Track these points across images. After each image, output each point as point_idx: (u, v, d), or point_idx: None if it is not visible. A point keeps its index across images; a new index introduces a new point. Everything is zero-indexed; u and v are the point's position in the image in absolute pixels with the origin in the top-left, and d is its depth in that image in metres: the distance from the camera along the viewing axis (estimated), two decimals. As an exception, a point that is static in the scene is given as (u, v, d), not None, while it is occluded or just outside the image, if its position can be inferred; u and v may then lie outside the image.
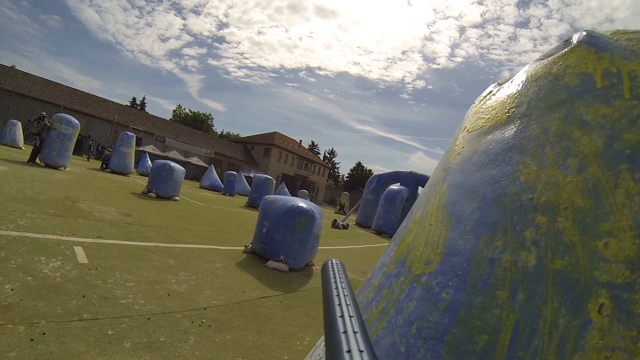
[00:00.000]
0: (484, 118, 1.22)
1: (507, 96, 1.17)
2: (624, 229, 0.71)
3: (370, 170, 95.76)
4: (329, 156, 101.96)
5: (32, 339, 2.94)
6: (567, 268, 0.74)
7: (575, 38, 1.09)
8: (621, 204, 0.73)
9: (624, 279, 0.67)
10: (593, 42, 1.02)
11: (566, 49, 1.08)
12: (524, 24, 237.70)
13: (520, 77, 1.19)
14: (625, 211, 0.73)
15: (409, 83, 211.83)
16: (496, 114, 1.16)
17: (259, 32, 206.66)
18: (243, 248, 8.46)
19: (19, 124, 26.29)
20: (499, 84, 1.32)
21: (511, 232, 0.86)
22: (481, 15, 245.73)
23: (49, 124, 15.74)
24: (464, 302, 0.85)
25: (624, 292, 0.66)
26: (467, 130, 1.28)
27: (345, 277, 0.72)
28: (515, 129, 1.04)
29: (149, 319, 3.79)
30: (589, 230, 0.75)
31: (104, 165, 22.95)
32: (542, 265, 0.77)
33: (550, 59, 1.11)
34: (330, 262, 0.82)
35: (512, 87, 1.18)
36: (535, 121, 1.00)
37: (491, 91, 1.33)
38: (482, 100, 1.34)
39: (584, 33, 1.07)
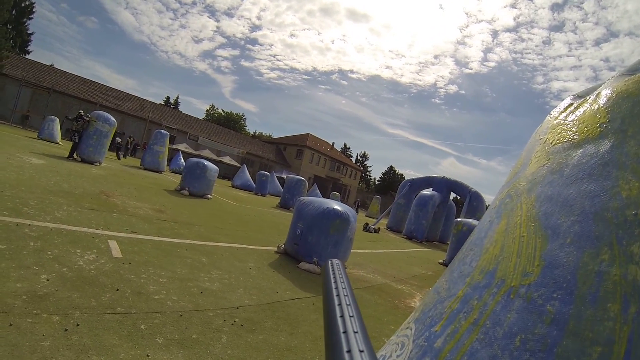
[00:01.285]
0: (570, 131, 1.20)
1: (596, 111, 1.15)
2: None
3: (402, 175, 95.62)
4: (361, 159, 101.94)
5: (65, 330, 2.94)
6: None
7: None
8: None
9: None
10: None
11: None
12: (558, 27, 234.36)
13: (606, 92, 1.17)
14: None
15: (441, 87, 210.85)
16: (585, 127, 1.15)
17: (292, 35, 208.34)
18: (275, 248, 8.45)
19: (57, 120, 26.87)
20: (578, 97, 1.31)
21: (617, 246, 0.84)
22: (514, 19, 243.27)
23: (87, 118, 16.01)
24: (573, 315, 0.84)
25: None
26: (551, 143, 1.26)
27: (346, 277, 0.73)
28: (610, 145, 1.03)
29: (181, 315, 3.76)
30: None
31: (119, 154, 22.69)
32: None
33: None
34: (330, 262, 0.84)
35: (600, 101, 1.17)
36: (632, 137, 0.98)
37: (572, 104, 1.32)
38: (562, 112, 1.33)
39: None
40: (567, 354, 0.80)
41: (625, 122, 1.01)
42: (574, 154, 1.11)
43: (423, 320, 1.24)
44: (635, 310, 0.73)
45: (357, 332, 0.48)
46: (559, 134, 1.23)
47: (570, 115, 1.25)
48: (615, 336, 0.74)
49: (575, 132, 1.16)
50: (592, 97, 1.21)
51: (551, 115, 1.37)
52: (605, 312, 0.78)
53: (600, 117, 1.10)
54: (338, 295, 0.61)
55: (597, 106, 1.14)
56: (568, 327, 0.82)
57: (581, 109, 1.21)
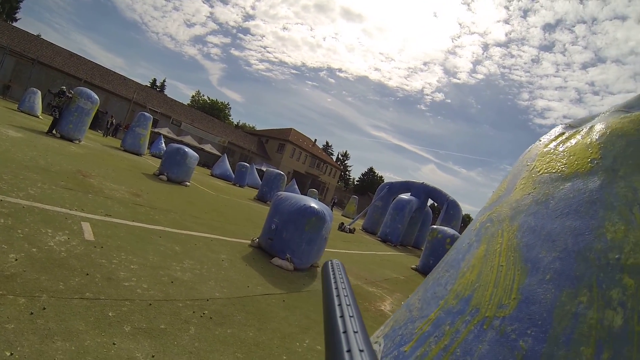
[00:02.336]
0: (560, 162, 1.20)
1: (588, 145, 1.15)
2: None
3: (381, 177, 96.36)
4: (341, 158, 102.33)
5: (31, 313, 2.90)
6: None
7: None
8: None
9: None
10: None
11: None
12: (548, 47, 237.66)
13: (600, 127, 1.17)
14: None
15: (427, 94, 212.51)
16: (576, 161, 1.15)
17: (284, 28, 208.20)
18: (249, 242, 8.43)
19: (39, 92, 26.48)
20: (570, 127, 1.32)
21: (597, 289, 0.84)
22: (506, 35, 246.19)
23: (70, 95, 15.78)
24: (545, 354, 0.83)
25: None
26: (538, 171, 1.26)
27: (346, 278, 0.73)
28: (600, 183, 1.02)
29: (150, 304, 3.73)
30: None
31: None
32: (629, 326, 0.76)
33: (637, 114, 1.10)
34: (330, 262, 0.84)
35: (593, 135, 1.17)
36: (623, 178, 0.98)
37: (563, 133, 1.32)
38: (552, 141, 1.33)
39: None
40: None
41: (618, 162, 1.02)
42: (561, 187, 1.12)
43: (392, 338, 1.23)
44: (608, 357, 0.74)
45: (357, 332, 0.48)
46: (547, 163, 1.24)
47: (561, 145, 1.26)
48: None
49: (565, 164, 1.17)
50: (585, 129, 1.22)
51: (540, 142, 1.38)
52: (578, 355, 0.78)
53: (592, 152, 1.11)
54: (338, 295, 0.62)
55: (589, 140, 1.15)
56: None
57: (572, 140, 1.23)
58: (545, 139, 1.37)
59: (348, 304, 0.58)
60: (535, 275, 0.97)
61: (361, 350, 0.44)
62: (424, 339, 1.10)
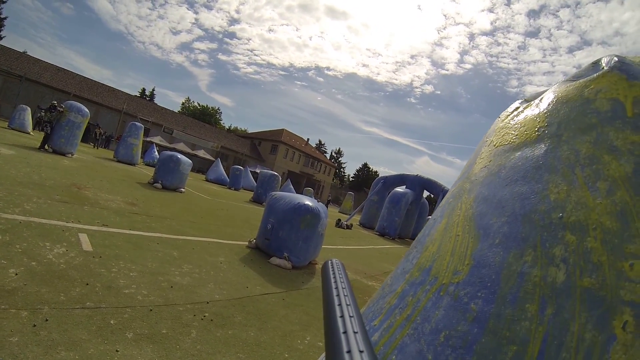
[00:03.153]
0: (512, 134, 1.24)
1: (537, 115, 1.19)
2: (649, 252, 0.73)
3: (376, 172, 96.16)
4: (335, 156, 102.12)
5: (34, 325, 2.93)
6: (594, 286, 0.77)
7: (604, 62, 1.11)
8: None
9: (648, 299, 0.69)
10: (624, 68, 1.04)
11: (597, 73, 1.09)
12: (534, 33, 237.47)
13: (549, 97, 1.20)
14: (650, 236, 0.75)
15: (417, 87, 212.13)
16: (525, 131, 1.18)
17: (270, 30, 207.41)
18: (247, 243, 8.46)
19: (29, 109, 26.37)
20: (526, 101, 1.34)
21: (540, 248, 0.88)
22: (491, 23, 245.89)
23: (61, 109, 15.78)
24: (493, 314, 0.87)
25: None
26: (494, 145, 1.30)
27: (346, 277, 0.73)
28: (545, 148, 1.06)
29: (151, 310, 3.77)
30: (616, 251, 0.78)
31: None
32: (571, 282, 0.80)
33: (581, 81, 1.12)
34: (330, 261, 0.83)
35: (542, 106, 1.20)
36: (566, 142, 1.02)
37: (518, 107, 1.35)
38: (508, 115, 1.36)
39: (615, 59, 1.09)
40: (485, 351, 0.83)
41: (561, 127, 1.05)
42: (512, 157, 1.14)
43: (366, 315, 1.26)
44: (552, 312, 0.77)
45: (357, 332, 0.49)
46: (502, 136, 1.27)
47: (515, 118, 1.29)
48: (531, 336, 0.78)
49: (516, 135, 1.20)
50: (537, 101, 1.25)
51: (500, 118, 1.41)
52: (523, 312, 0.81)
53: (539, 121, 1.14)
54: (338, 295, 0.62)
55: (538, 110, 1.19)
56: (488, 326, 0.85)
57: (525, 113, 1.26)
58: (503, 115, 1.41)
59: (348, 304, 0.58)
60: (486, 241, 1.00)
61: (361, 351, 0.45)
62: (391, 312, 1.15)
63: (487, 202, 1.11)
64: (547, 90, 1.29)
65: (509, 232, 0.97)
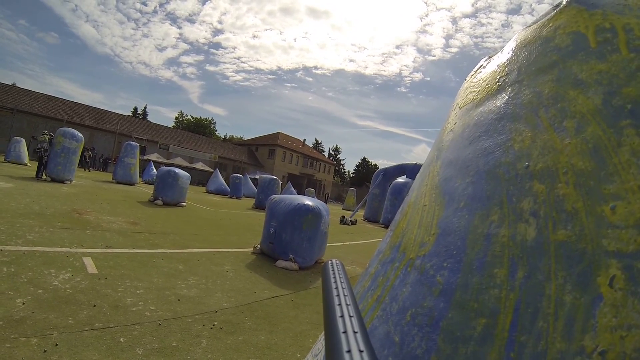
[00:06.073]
0: (474, 91, 1.18)
1: (497, 66, 1.13)
2: (632, 189, 0.64)
3: (375, 165, 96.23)
4: (333, 153, 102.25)
5: (45, 351, 2.93)
6: (571, 238, 0.68)
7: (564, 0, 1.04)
8: (626, 162, 0.67)
9: (637, 246, 0.59)
10: (582, 0, 0.97)
11: (555, 11, 1.03)
12: (515, 10, 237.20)
13: (510, 45, 1.15)
14: (632, 170, 0.65)
15: (406, 76, 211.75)
16: (487, 85, 1.12)
17: (254, 36, 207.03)
18: (252, 249, 8.47)
19: (23, 140, 26.40)
20: (489, 57, 1.28)
21: (507, 204, 0.80)
22: (472, 5, 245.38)
23: (50, 136, 15.92)
24: (460, 284, 0.79)
25: (638, 260, 0.58)
26: (459, 107, 1.24)
27: (346, 277, 0.71)
28: (506, 97, 1.00)
29: (160, 324, 3.78)
30: (593, 195, 0.69)
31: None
32: (543, 237, 0.71)
33: (539, 22, 1.07)
34: (330, 262, 0.81)
35: (502, 56, 1.14)
36: (527, 86, 0.95)
37: (481, 65, 1.29)
38: (472, 75, 1.30)
39: None
40: (451, 327, 0.76)
41: (522, 72, 0.99)
42: (474, 114, 1.09)
43: None
44: (523, 275, 0.69)
45: (357, 332, 0.49)
46: (465, 96, 1.22)
47: (477, 75, 1.24)
48: (501, 305, 0.70)
49: (478, 91, 1.15)
50: (498, 54, 1.20)
51: (466, 80, 1.35)
52: (492, 278, 0.73)
53: (499, 72, 1.09)
54: (338, 295, 0.62)
55: (499, 62, 1.14)
56: (454, 298, 0.78)
57: (486, 67, 1.21)
58: (468, 76, 1.35)
59: (348, 303, 0.58)
60: (451, 206, 0.94)
61: (361, 351, 0.44)
62: (364, 294, 1.11)
63: (452, 166, 1.05)
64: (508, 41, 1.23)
65: (473, 192, 0.91)
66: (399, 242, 1.10)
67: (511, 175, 0.84)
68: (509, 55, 1.11)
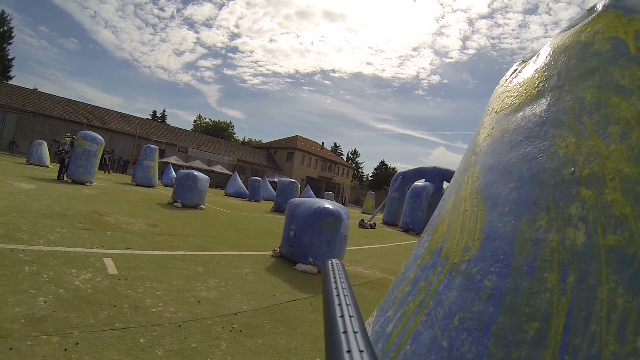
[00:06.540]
0: (512, 96, 1.17)
1: (535, 71, 1.12)
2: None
3: (394, 169, 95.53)
4: (352, 156, 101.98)
5: (65, 349, 2.95)
6: (621, 243, 0.68)
7: (600, 4, 1.03)
8: None
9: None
10: (620, 5, 0.96)
11: (592, 16, 1.02)
12: (532, 10, 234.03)
13: (546, 50, 1.14)
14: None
15: (423, 79, 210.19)
16: (525, 90, 1.11)
17: (271, 40, 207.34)
18: (271, 252, 8.45)
19: (44, 143, 26.85)
20: (524, 61, 1.27)
21: (554, 209, 0.80)
22: (488, 6, 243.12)
23: (72, 139, 16.21)
24: (509, 289, 0.80)
25: None
26: (495, 111, 1.23)
27: (346, 277, 0.72)
28: (547, 103, 0.99)
29: (179, 326, 3.78)
30: None
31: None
32: (593, 242, 0.71)
33: (576, 27, 1.06)
34: (330, 262, 0.82)
35: (539, 61, 1.14)
36: (568, 92, 0.95)
37: (516, 69, 1.29)
38: (507, 79, 1.29)
39: None
40: (503, 331, 0.75)
41: (562, 77, 0.99)
42: (513, 119, 1.08)
43: (382, 307, 1.21)
44: (574, 279, 0.70)
45: (357, 332, 0.48)
46: (502, 101, 1.22)
47: (513, 80, 1.23)
48: (553, 309, 0.70)
49: (516, 96, 1.14)
50: (534, 58, 1.19)
51: (499, 84, 1.35)
52: (543, 283, 0.73)
53: (538, 77, 1.08)
54: (338, 295, 0.62)
55: (536, 66, 1.13)
56: (504, 303, 0.78)
57: (523, 72, 1.20)
58: (502, 80, 1.34)
59: (348, 303, 0.58)
60: (495, 211, 0.94)
61: (361, 351, 0.44)
62: (404, 300, 1.10)
63: (493, 171, 1.04)
64: (544, 46, 1.22)
65: (518, 197, 0.90)
66: (440, 247, 1.09)
67: (557, 181, 0.84)
68: (546, 60, 1.10)
